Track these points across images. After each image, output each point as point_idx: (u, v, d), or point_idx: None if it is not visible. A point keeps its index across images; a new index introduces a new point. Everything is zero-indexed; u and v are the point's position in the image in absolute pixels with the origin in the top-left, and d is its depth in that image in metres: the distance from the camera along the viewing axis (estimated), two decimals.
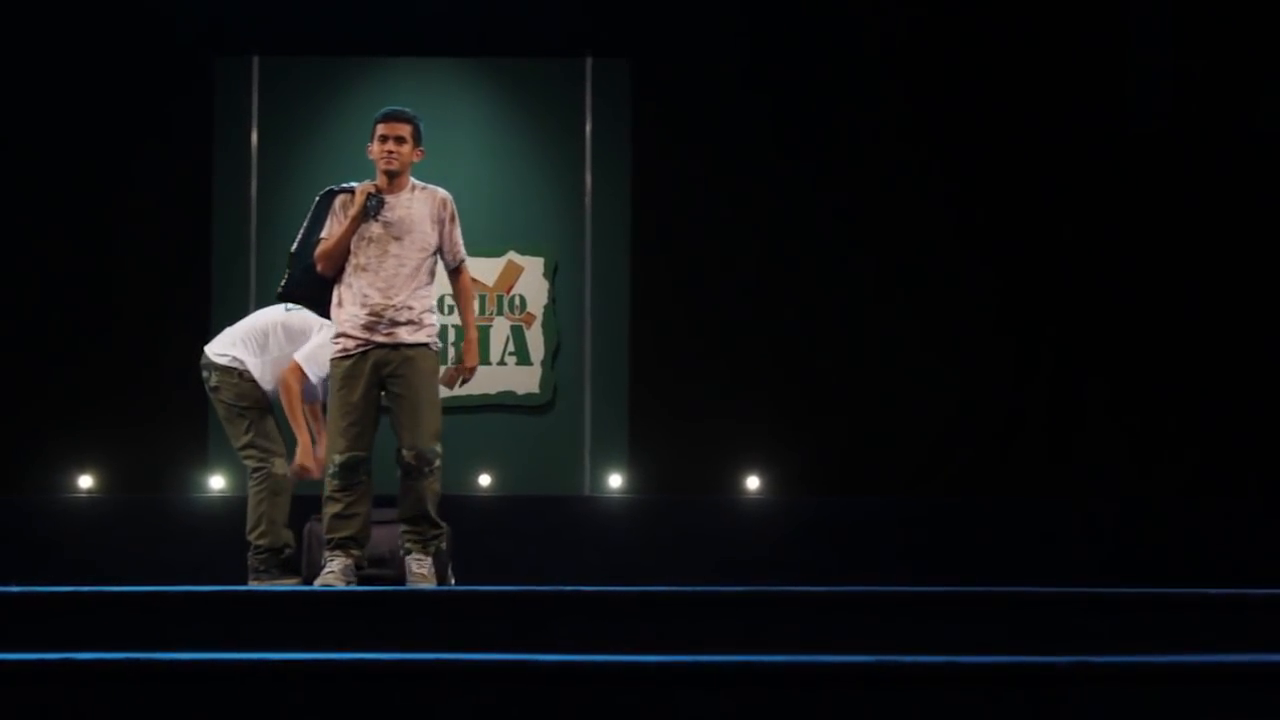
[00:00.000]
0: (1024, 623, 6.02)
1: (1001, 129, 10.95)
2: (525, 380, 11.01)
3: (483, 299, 10.98)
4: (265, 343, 7.89)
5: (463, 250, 7.42)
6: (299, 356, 7.71)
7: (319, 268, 7.23)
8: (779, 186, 10.95)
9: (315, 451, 7.78)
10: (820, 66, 11.01)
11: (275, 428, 7.90)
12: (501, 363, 11.00)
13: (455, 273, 7.46)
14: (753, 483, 10.62)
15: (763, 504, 10.29)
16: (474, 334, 7.49)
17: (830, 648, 5.46)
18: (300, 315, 7.83)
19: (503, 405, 11.00)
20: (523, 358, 11.01)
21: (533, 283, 11.05)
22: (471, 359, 7.44)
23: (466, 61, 11.25)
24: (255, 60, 11.15)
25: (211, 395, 7.94)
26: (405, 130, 7.20)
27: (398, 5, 10.96)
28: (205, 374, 7.95)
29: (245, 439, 7.83)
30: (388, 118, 7.25)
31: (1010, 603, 6.18)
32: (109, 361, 10.71)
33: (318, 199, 7.40)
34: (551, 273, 11.07)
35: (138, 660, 4.67)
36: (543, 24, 11.05)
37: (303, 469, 7.77)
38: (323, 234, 7.25)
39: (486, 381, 10.94)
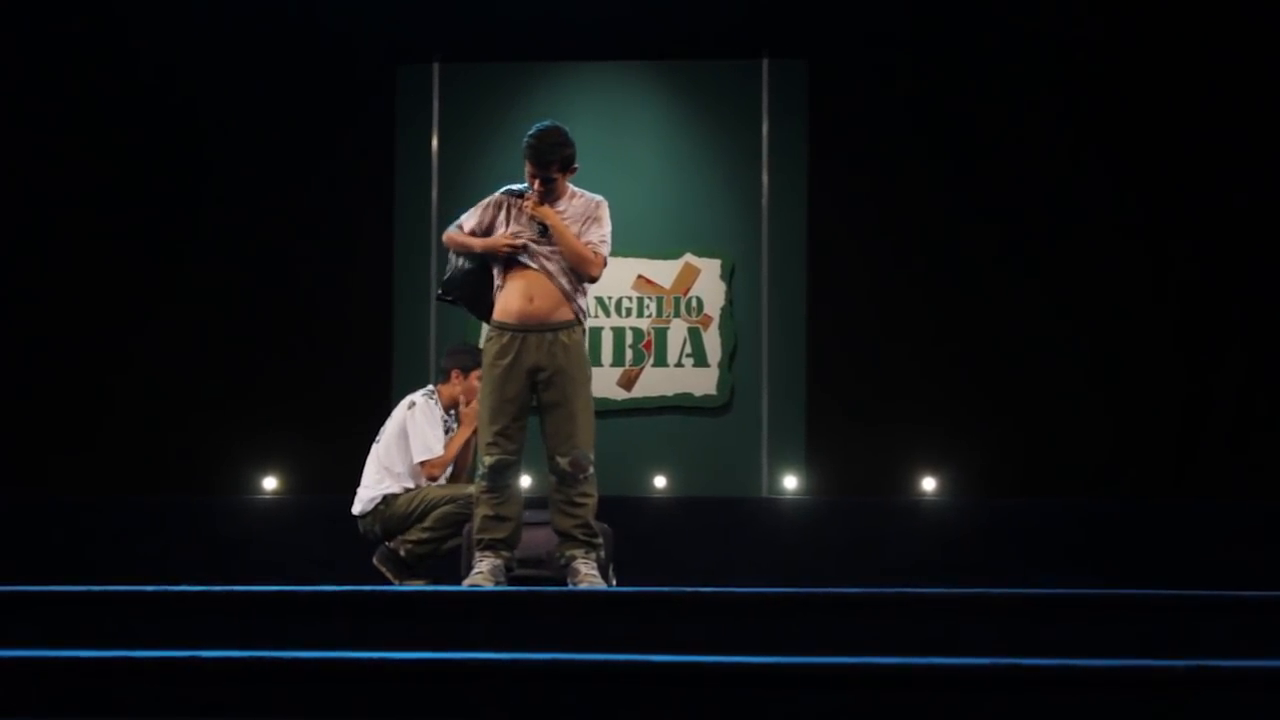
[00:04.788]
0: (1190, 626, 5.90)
1: (1176, 119, 10.76)
2: (703, 382, 11.03)
3: (659, 301, 11.02)
4: (391, 464, 8.17)
5: (595, 248, 7.13)
6: (418, 459, 8.09)
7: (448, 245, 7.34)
8: (955, 187, 10.85)
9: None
10: (997, 67, 10.89)
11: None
12: (679, 364, 11.03)
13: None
14: (928, 484, 10.55)
15: (939, 506, 10.22)
16: (561, 230, 7.08)
17: (1015, 651, 5.40)
18: (393, 422, 8.24)
19: (680, 407, 11.02)
20: (700, 359, 11.03)
21: (710, 284, 11.06)
22: (540, 211, 7.09)
23: (643, 64, 11.29)
24: (436, 67, 11.29)
25: (381, 537, 8.16)
26: (552, 170, 7.06)
27: (575, 10, 11.03)
28: (363, 527, 8.22)
29: (432, 516, 8.01)
30: (533, 160, 7.08)
31: (1179, 606, 6.04)
32: (293, 365, 10.92)
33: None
34: (728, 274, 11.07)
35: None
36: (719, 25, 11.05)
37: None
38: (464, 220, 7.25)
39: (664, 383, 11.00)
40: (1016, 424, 10.62)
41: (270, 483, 10.66)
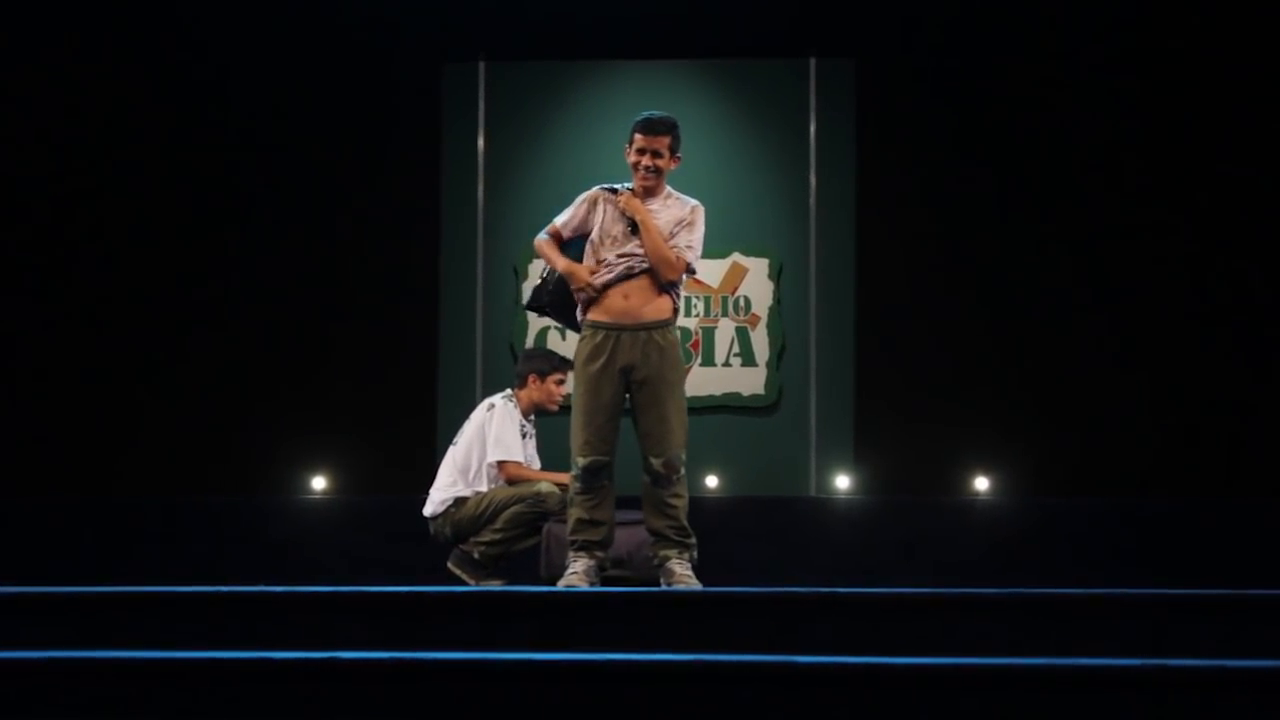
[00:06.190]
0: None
1: (1230, 120, 10.74)
2: (750, 382, 11.01)
3: (707, 300, 11.01)
4: (466, 467, 8.19)
5: (681, 252, 7.05)
6: (494, 458, 8.11)
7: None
8: (1003, 187, 10.83)
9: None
10: (1045, 67, 10.87)
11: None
12: (727, 364, 11.01)
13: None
14: (981, 484, 10.52)
15: (990, 506, 10.18)
16: (650, 227, 6.98)
17: (1064, 649, 5.39)
18: (471, 424, 8.26)
19: (728, 406, 11.00)
20: (748, 359, 11.00)
21: (757, 284, 11.04)
22: (631, 204, 7.01)
23: (690, 63, 11.27)
24: (482, 66, 11.27)
25: (451, 540, 8.18)
26: (663, 144, 6.98)
27: (621, 9, 11.01)
28: (434, 529, 8.23)
29: (502, 518, 8.03)
30: (647, 129, 7.02)
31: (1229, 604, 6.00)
32: (341, 365, 10.91)
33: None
34: (776, 274, 11.05)
35: (391, 660, 4.76)
36: (766, 24, 11.04)
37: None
38: (557, 220, 7.15)
39: (712, 383, 10.97)
40: (1067, 423, 10.59)
41: (319, 483, 10.66)
